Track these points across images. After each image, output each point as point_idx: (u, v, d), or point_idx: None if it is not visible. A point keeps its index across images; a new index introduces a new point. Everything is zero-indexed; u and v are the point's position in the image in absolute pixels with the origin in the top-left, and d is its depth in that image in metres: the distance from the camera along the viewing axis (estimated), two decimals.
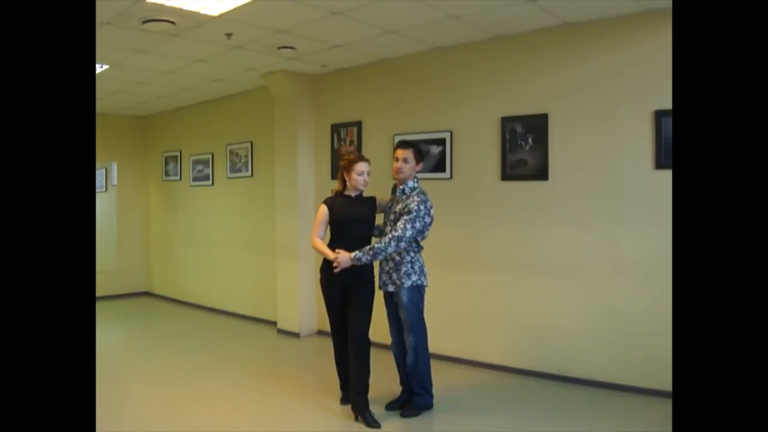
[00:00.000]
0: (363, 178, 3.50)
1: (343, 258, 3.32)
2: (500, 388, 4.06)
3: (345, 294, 3.49)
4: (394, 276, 3.46)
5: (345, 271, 3.34)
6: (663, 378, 3.50)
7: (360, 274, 3.42)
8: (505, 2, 3.56)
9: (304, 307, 5.64)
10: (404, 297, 3.45)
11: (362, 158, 3.55)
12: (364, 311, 3.47)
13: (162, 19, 3.71)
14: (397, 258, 3.45)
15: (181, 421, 3.47)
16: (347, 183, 3.53)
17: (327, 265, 3.50)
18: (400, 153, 3.49)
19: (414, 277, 3.45)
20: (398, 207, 3.45)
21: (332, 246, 3.46)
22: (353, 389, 3.43)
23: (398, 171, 3.48)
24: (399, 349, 3.61)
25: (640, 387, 3.75)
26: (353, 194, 3.55)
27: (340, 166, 3.60)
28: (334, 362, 3.72)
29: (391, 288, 3.49)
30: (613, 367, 3.89)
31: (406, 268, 3.44)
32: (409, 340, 3.48)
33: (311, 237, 3.58)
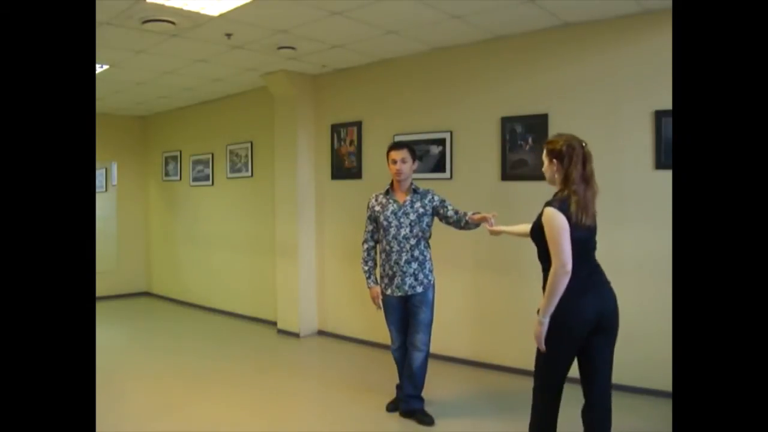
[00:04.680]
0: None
1: None
2: (498, 387, 4.06)
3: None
4: (421, 276, 3.48)
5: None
6: (663, 378, 3.50)
7: None
8: (505, 2, 3.56)
9: (304, 307, 5.64)
10: (430, 295, 3.50)
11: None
12: None
13: (162, 19, 3.71)
14: (420, 257, 3.47)
15: (181, 421, 3.47)
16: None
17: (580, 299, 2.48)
18: (397, 154, 3.50)
19: (434, 273, 3.55)
20: (417, 205, 3.49)
21: None
22: None
23: (400, 172, 3.49)
24: (403, 352, 3.58)
25: (640, 387, 3.75)
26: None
27: None
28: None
29: (419, 289, 3.47)
30: (613, 367, 3.87)
31: (429, 265, 3.52)
32: (421, 339, 3.46)
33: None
